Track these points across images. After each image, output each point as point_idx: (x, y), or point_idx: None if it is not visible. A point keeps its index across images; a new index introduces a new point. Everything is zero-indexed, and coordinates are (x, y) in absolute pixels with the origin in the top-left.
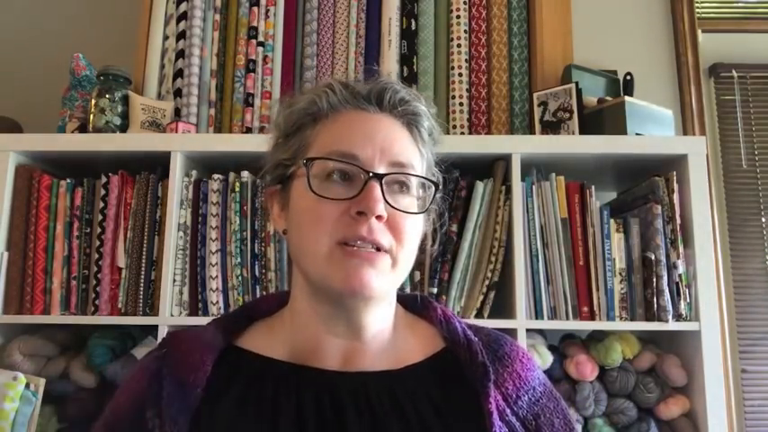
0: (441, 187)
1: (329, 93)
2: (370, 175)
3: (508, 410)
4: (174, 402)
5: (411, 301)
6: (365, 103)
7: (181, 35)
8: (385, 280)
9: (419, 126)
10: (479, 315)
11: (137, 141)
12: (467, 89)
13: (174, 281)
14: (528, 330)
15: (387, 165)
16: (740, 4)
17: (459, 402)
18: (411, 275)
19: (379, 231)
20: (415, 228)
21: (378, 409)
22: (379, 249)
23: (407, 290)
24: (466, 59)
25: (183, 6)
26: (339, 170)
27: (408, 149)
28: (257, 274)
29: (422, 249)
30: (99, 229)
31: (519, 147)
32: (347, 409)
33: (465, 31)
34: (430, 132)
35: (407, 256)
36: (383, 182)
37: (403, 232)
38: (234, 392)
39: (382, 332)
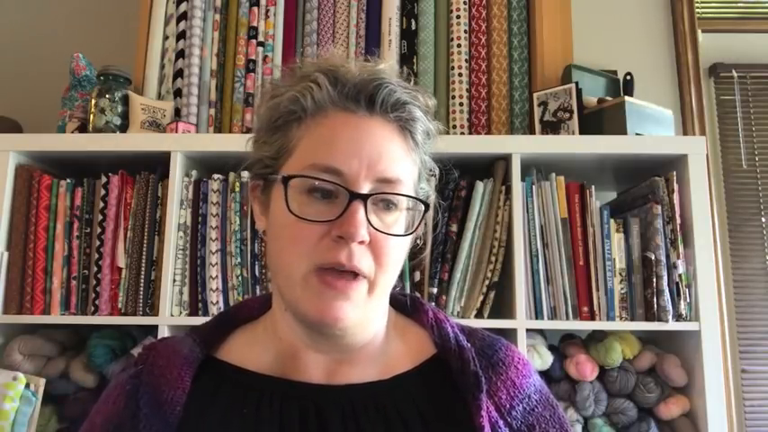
0: (434, 196)
1: (314, 89)
2: (354, 195)
3: (501, 422)
4: (153, 424)
5: (402, 304)
6: (353, 104)
7: (181, 35)
8: (360, 310)
9: (414, 130)
10: (479, 315)
11: (137, 141)
12: (467, 89)
13: (174, 281)
14: (528, 330)
15: (372, 181)
16: (740, 4)
17: (450, 414)
18: (411, 275)
19: (359, 256)
20: (399, 247)
21: (364, 424)
22: (357, 274)
23: (407, 289)
24: (466, 59)
25: (183, 6)
26: (321, 188)
27: (398, 161)
28: (257, 274)
29: (418, 251)
30: (99, 229)
31: (519, 147)
32: (332, 425)
33: (465, 32)
34: (426, 133)
35: (388, 279)
36: (368, 201)
37: (386, 255)
38: (214, 410)
39: (371, 342)
